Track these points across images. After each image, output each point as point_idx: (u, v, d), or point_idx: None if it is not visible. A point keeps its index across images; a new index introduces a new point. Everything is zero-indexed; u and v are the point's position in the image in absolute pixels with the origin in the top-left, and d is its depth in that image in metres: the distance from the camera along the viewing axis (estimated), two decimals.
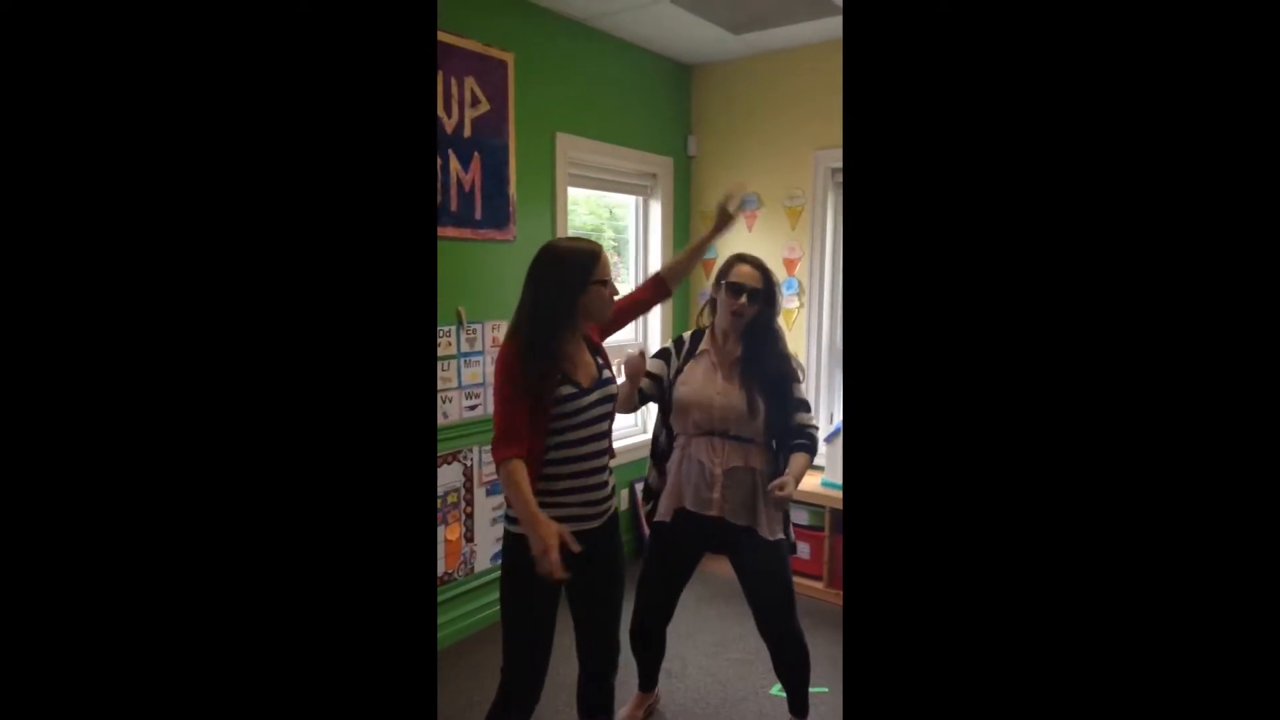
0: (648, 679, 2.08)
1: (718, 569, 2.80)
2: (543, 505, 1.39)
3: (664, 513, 1.86)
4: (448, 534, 2.45)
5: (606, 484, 1.54)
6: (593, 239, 1.64)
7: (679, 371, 1.86)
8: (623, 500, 3.19)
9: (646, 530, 2.04)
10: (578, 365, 1.48)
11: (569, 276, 1.43)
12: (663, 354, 1.91)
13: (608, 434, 1.55)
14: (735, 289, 1.77)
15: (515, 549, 1.44)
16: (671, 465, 1.86)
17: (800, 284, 3.14)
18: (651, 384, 1.86)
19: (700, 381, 1.81)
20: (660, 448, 1.92)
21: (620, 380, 1.67)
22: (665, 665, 2.09)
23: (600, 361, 1.55)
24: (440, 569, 2.42)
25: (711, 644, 2.48)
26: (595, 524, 1.50)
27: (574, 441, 1.46)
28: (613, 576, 1.59)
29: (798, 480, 1.71)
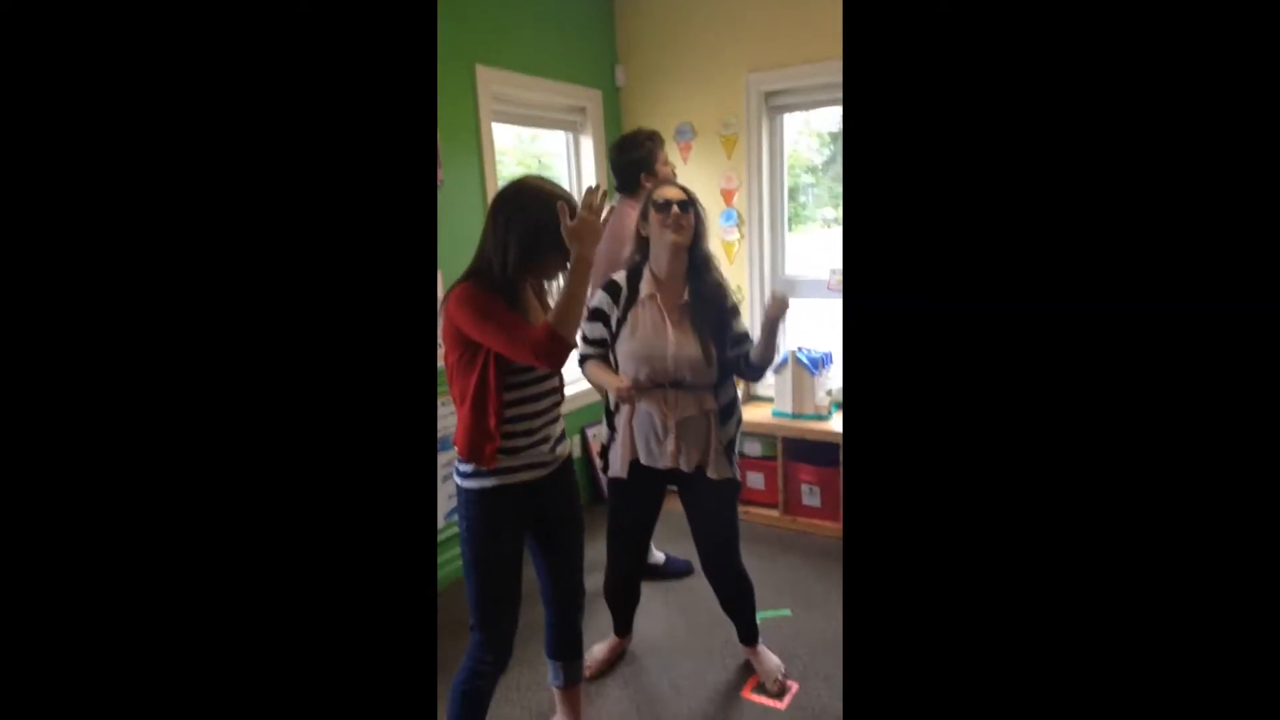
0: (623, 625, 2.09)
1: (678, 507, 2.82)
2: (500, 453, 1.39)
3: (619, 468, 1.83)
4: None
5: (558, 432, 1.52)
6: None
7: (621, 322, 1.76)
8: (575, 447, 3.16)
9: (604, 483, 2.01)
10: (530, 314, 1.42)
11: (535, 213, 1.33)
12: (609, 288, 1.80)
13: (559, 387, 1.52)
14: (664, 205, 1.68)
15: (475, 505, 1.41)
16: (621, 419, 1.80)
17: (739, 214, 3.09)
18: (601, 327, 1.79)
19: (650, 332, 1.73)
20: (610, 407, 1.86)
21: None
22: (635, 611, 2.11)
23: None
24: None
25: (679, 582, 2.51)
26: (547, 471, 1.48)
27: (531, 397, 1.42)
28: (571, 522, 1.58)
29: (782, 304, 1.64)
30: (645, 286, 1.75)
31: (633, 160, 2.19)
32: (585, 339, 1.81)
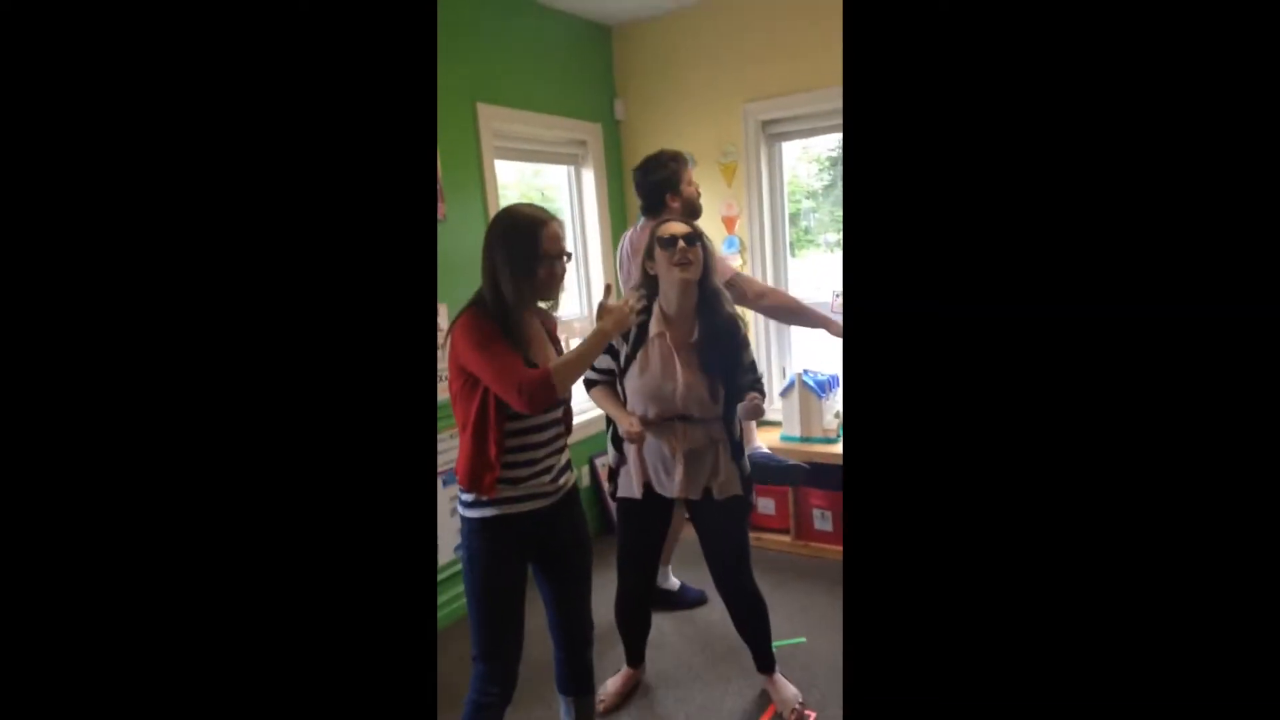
0: (635, 654, 2.06)
1: (689, 533, 2.80)
2: (500, 482, 1.39)
3: (630, 490, 1.82)
4: None
5: (561, 462, 1.52)
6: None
7: (629, 360, 1.76)
8: (584, 477, 3.15)
9: (613, 507, 2.00)
10: (531, 344, 1.43)
11: (517, 247, 1.37)
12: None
13: (562, 418, 1.53)
14: (670, 241, 1.67)
15: (477, 535, 1.42)
16: (630, 447, 1.80)
17: (741, 241, 3.12)
18: (608, 358, 1.78)
19: (659, 371, 1.72)
20: (617, 433, 1.85)
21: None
22: (649, 637, 2.08)
23: (557, 353, 1.52)
24: None
25: (688, 612, 2.48)
26: (551, 501, 1.48)
27: (533, 427, 1.43)
28: (576, 552, 1.56)
29: (757, 405, 1.67)
30: (654, 325, 1.74)
31: (658, 181, 2.18)
32: (593, 367, 1.82)
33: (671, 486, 1.77)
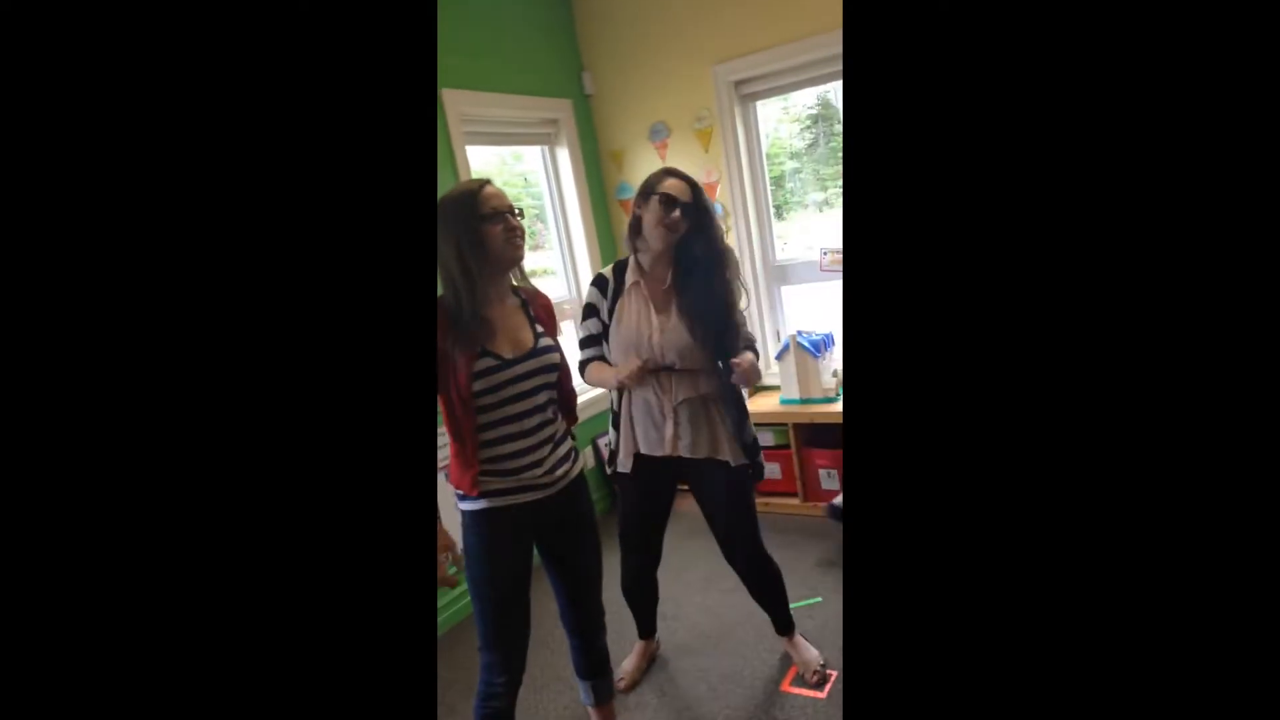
0: (646, 627, 2.05)
1: (691, 506, 2.79)
2: (486, 475, 1.36)
3: (623, 463, 1.79)
4: None
5: (558, 453, 1.46)
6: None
7: (610, 313, 1.73)
8: (588, 459, 3.13)
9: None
10: (499, 332, 1.37)
11: (453, 224, 1.31)
12: (597, 281, 1.77)
13: (552, 402, 1.46)
14: (668, 201, 1.62)
15: (470, 529, 1.40)
16: (622, 410, 1.78)
17: (724, 207, 3.07)
18: (595, 322, 1.76)
19: (635, 320, 1.70)
20: (615, 403, 1.83)
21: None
22: (660, 609, 2.07)
23: (539, 330, 1.44)
24: None
25: (700, 579, 2.48)
26: (550, 492, 1.44)
27: (508, 418, 1.37)
28: (583, 543, 1.53)
29: (752, 365, 1.63)
30: (630, 274, 1.73)
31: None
32: (581, 341, 1.79)
33: (663, 443, 1.73)
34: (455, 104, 2.58)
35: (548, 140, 3.12)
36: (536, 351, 1.40)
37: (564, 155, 3.14)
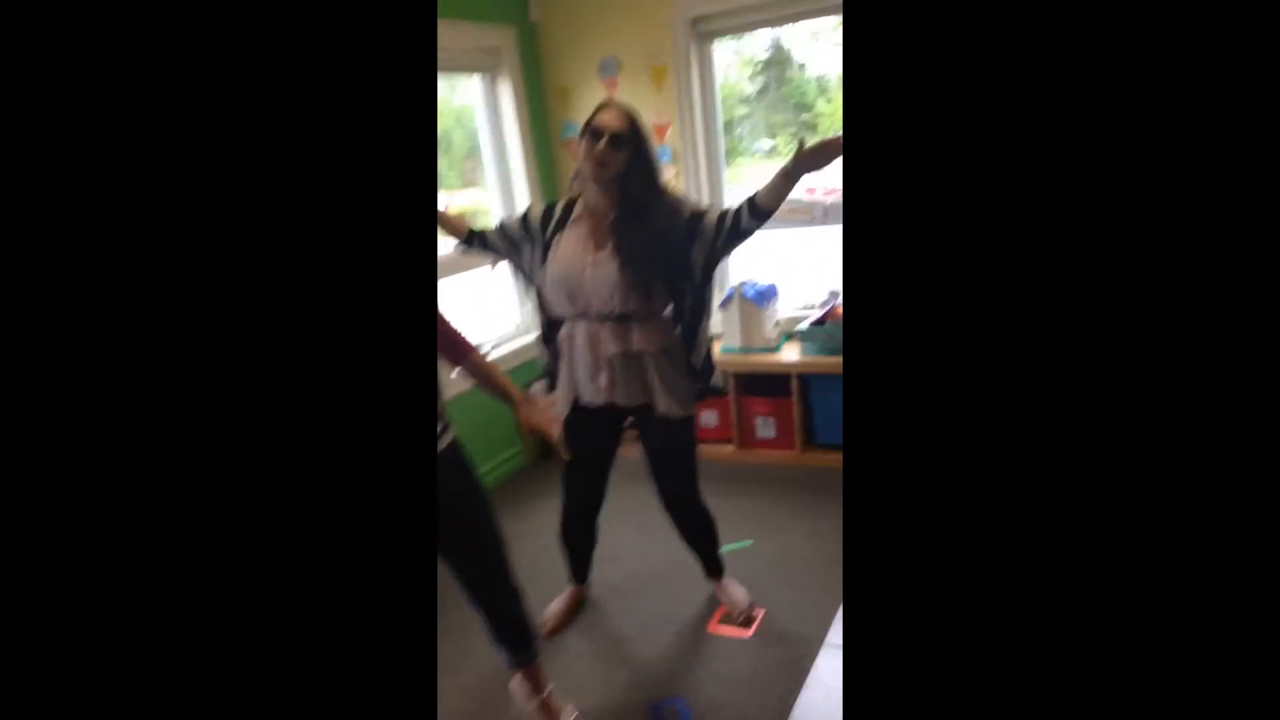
0: (579, 572, 2.06)
1: (631, 452, 2.80)
2: None
3: (561, 409, 1.77)
4: None
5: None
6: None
7: (547, 246, 1.68)
8: None
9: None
10: None
11: None
12: (523, 219, 1.74)
13: None
14: (594, 133, 1.54)
15: None
16: (563, 359, 1.75)
17: (674, 151, 2.99)
18: (498, 235, 1.75)
19: (570, 254, 1.64)
20: (544, 331, 1.79)
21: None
22: (595, 552, 2.08)
23: None
24: None
25: (634, 523, 2.50)
26: None
27: None
28: (467, 513, 1.40)
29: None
30: (578, 209, 1.67)
31: None
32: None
33: (598, 394, 1.72)
34: None
35: (489, 69, 2.96)
36: None
37: (505, 88, 2.98)
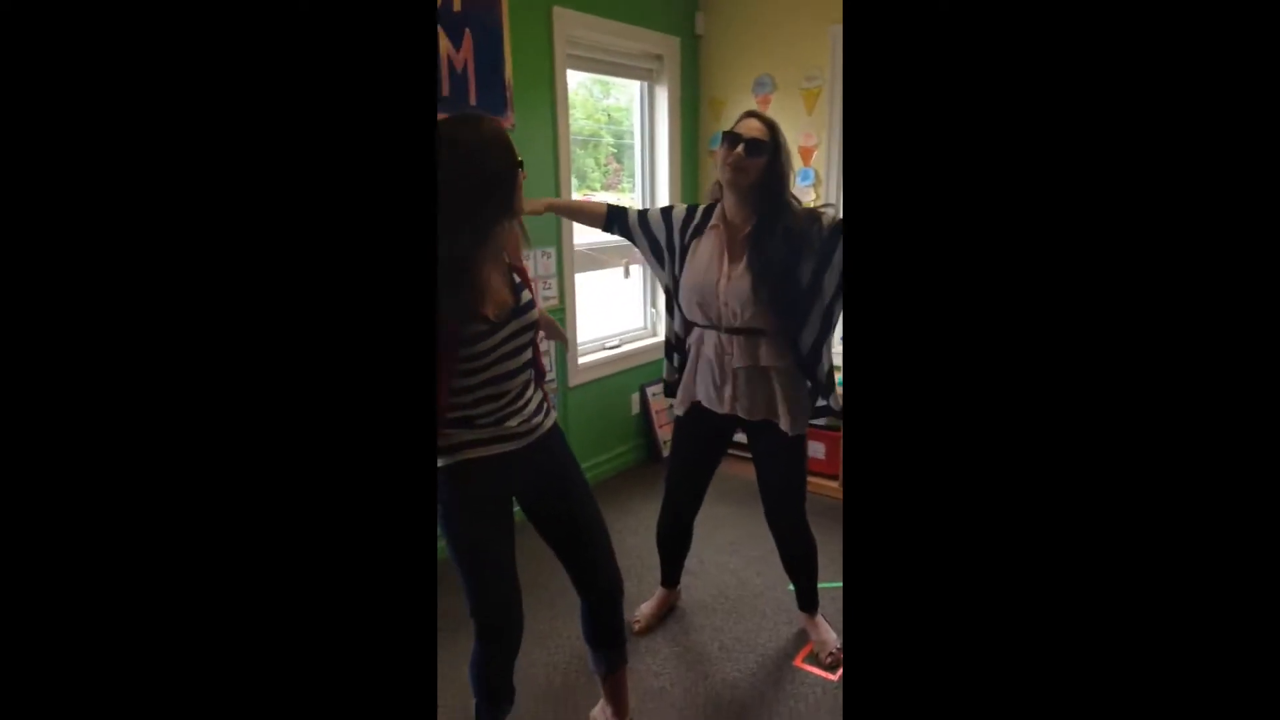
0: (671, 575, 2.07)
1: (735, 470, 2.78)
2: (456, 425, 1.25)
3: (680, 406, 1.81)
4: None
5: (531, 405, 1.34)
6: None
7: (685, 250, 1.70)
8: (634, 404, 3.13)
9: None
10: (486, 294, 1.22)
11: (491, 162, 1.13)
12: (665, 213, 1.76)
13: (529, 363, 1.33)
14: (733, 139, 1.55)
15: (443, 485, 1.28)
16: (689, 359, 1.77)
17: (817, 174, 2.95)
18: (639, 221, 1.77)
19: (705, 262, 1.66)
20: (671, 341, 1.83)
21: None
22: (685, 564, 2.08)
23: (518, 281, 1.29)
24: None
25: (728, 542, 2.48)
26: (523, 443, 1.32)
27: (486, 381, 1.24)
28: (568, 492, 1.40)
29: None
30: (715, 216, 1.68)
31: None
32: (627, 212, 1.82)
33: (721, 404, 1.72)
34: (563, 24, 2.51)
35: (649, 76, 3.03)
36: (519, 311, 1.27)
37: (662, 94, 3.04)
